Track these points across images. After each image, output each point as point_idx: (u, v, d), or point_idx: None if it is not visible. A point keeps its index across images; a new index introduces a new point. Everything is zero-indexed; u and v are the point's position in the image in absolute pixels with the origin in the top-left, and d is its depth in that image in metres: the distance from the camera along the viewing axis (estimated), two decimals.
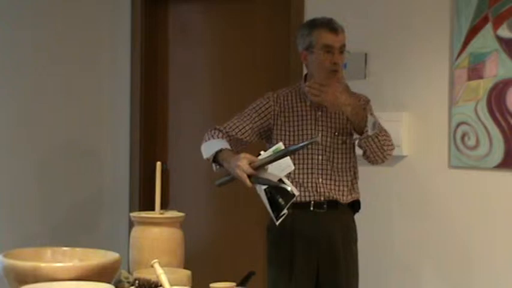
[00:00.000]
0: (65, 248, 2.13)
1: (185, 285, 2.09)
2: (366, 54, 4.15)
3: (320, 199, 3.22)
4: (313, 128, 3.28)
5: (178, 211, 2.59)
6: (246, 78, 4.62)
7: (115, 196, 4.76)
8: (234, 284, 2.12)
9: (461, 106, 3.72)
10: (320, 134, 3.27)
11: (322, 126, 3.29)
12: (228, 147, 3.16)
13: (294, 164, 3.00)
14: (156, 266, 1.88)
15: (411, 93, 3.93)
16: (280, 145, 2.96)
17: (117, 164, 4.77)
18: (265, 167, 2.92)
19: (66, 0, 4.53)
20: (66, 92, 4.51)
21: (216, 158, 3.13)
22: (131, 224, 2.53)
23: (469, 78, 3.73)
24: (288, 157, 2.92)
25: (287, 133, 3.28)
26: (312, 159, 3.26)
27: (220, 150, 3.12)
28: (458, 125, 3.73)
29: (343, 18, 4.24)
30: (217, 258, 4.61)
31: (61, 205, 4.48)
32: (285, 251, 3.22)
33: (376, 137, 3.19)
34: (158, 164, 2.46)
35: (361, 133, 3.19)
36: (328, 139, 3.28)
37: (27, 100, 4.33)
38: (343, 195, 3.28)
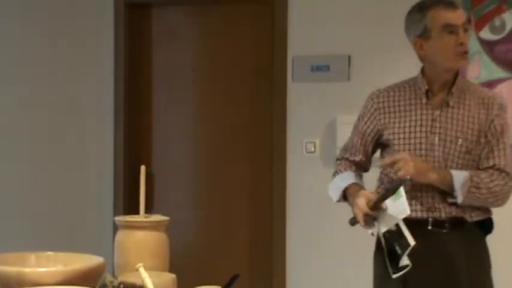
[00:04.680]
0: (49, 253, 2.11)
1: None
2: (349, 57, 4.17)
3: (440, 216, 2.71)
4: (428, 130, 2.74)
5: (163, 215, 2.58)
6: (230, 82, 4.63)
7: (99, 200, 4.75)
8: (218, 287, 2.12)
9: None
10: (437, 138, 2.73)
11: (440, 128, 2.73)
12: (353, 180, 2.84)
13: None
14: (141, 269, 1.87)
15: None
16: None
17: (102, 168, 4.75)
18: (384, 207, 2.59)
19: (49, 6, 4.51)
20: (49, 96, 4.50)
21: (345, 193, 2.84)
22: (116, 228, 2.53)
23: None
24: (405, 200, 2.53)
25: (397, 136, 2.79)
26: None
27: (347, 188, 2.83)
28: None
29: (326, 21, 4.26)
30: (202, 261, 4.60)
31: (45, 209, 4.46)
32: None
33: (473, 199, 2.69)
34: (142, 167, 2.45)
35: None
36: (448, 145, 2.72)
37: (11, 104, 4.31)
38: (464, 212, 2.72)
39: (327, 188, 4.27)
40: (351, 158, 2.93)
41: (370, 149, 2.91)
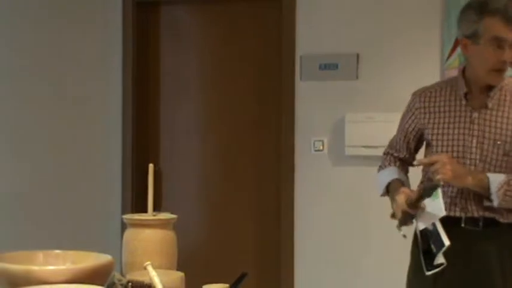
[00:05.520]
0: (57, 251, 2.11)
1: (178, 287, 2.08)
2: (357, 55, 4.16)
3: (473, 215, 2.71)
4: (466, 132, 2.73)
5: (171, 213, 2.58)
6: (238, 80, 4.62)
7: (107, 198, 4.76)
8: (227, 285, 2.12)
9: None
10: (474, 141, 2.72)
11: (478, 131, 2.72)
12: (395, 175, 2.91)
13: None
14: (149, 268, 1.88)
15: (403, 94, 3.93)
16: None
17: (110, 167, 4.76)
18: (423, 205, 2.61)
19: (57, 4, 4.51)
20: (58, 95, 4.50)
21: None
22: (124, 226, 2.53)
23: None
24: (442, 202, 2.56)
25: (435, 136, 2.80)
26: None
27: (389, 183, 2.90)
28: None
29: (335, 20, 4.26)
30: (210, 259, 4.61)
31: (54, 208, 4.46)
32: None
33: (510, 202, 2.66)
34: (150, 166, 2.45)
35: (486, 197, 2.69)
36: (485, 147, 2.70)
37: (20, 103, 4.32)
38: (501, 214, 2.71)
39: (335, 186, 4.29)
40: (396, 154, 2.99)
41: (413, 147, 2.96)
